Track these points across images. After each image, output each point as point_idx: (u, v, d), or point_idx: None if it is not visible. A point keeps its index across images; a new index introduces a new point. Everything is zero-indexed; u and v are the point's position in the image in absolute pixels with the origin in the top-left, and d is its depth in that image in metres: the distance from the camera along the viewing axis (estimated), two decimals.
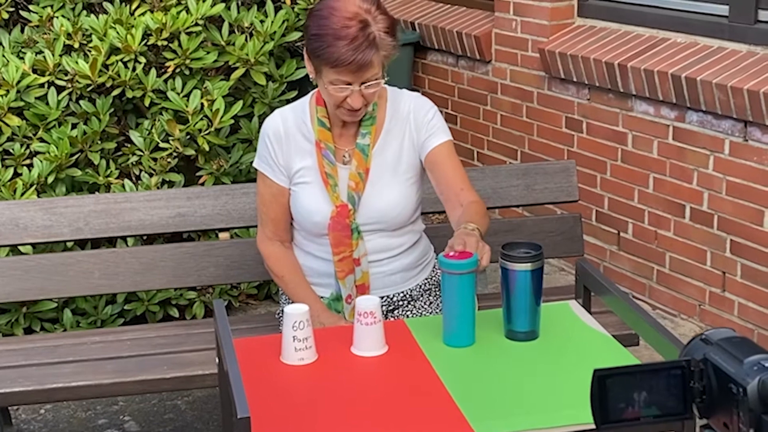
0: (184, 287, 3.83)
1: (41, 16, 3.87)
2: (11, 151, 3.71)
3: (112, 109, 3.81)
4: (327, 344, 2.25)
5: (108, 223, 3.08)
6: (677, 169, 3.94)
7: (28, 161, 3.71)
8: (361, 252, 2.62)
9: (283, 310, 2.67)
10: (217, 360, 2.21)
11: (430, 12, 5.45)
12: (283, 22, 3.98)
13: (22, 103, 3.71)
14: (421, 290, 2.75)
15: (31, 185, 3.62)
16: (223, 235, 3.21)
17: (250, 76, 3.95)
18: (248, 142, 4.05)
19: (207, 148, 3.82)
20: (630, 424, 1.14)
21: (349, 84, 2.48)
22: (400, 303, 2.72)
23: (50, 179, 3.66)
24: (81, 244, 3.67)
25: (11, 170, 3.66)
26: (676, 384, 1.15)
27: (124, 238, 3.69)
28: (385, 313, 2.68)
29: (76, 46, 3.79)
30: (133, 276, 3.08)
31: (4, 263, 3.08)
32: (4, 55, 3.78)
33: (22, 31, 3.97)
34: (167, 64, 3.81)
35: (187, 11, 3.79)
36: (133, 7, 3.89)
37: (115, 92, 3.77)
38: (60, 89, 3.76)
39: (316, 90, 2.65)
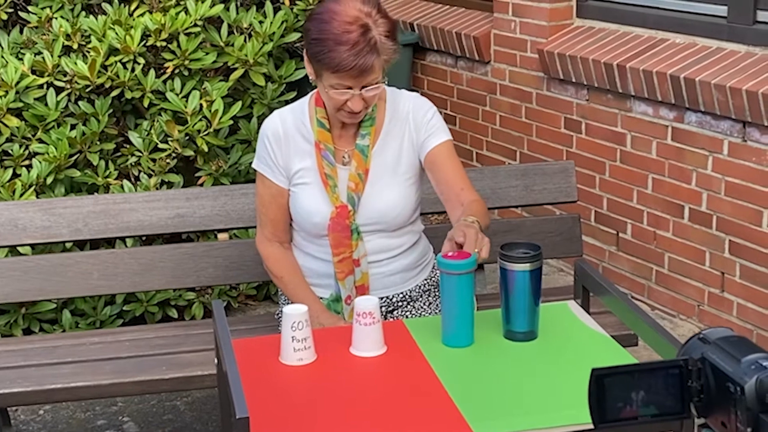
0: (183, 288, 3.83)
1: (40, 17, 3.87)
2: (10, 152, 3.71)
3: (110, 110, 3.82)
4: (326, 345, 2.25)
5: (107, 224, 3.08)
6: (676, 170, 3.94)
7: (27, 162, 3.71)
8: (361, 253, 2.62)
9: (282, 311, 2.67)
10: (215, 360, 2.21)
11: (429, 13, 5.45)
12: (282, 22, 3.98)
13: (21, 104, 3.71)
14: (420, 291, 2.75)
15: (30, 186, 3.62)
16: (222, 236, 3.21)
17: (249, 77, 3.95)
18: (247, 142, 4.05)
19: (206, 149, 3.82)
20: (628, 424, 1.14)
21: (350, 88, 2.48)
22: (400, 303, 2.72)
23: (49, 180, 3.66)
24: (80, 244, 3.67)
25: (10, 171, 3.67)
26: (673, 383, 1.15)
27: (123, 239, 3.69)
28: (384, 313, 2.68)
29: (75, 47, 3.79)
30: (132, 277, 3.09)
31: (3, 264, 3.08)
32: (3, 56, 3.78)
33: (21, 32, 3.98)
34: (166, 65, 3.81)
35: (186, 12, 3.79)
36: (132, 7, 3.90)
37: (114, 93, 3.77)
38: (59, 90, 3.76)
39: (315, 91, 2.65)
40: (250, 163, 3.76)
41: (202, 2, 3.81)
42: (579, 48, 4.31)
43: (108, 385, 2.83)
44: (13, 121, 3.69)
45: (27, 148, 3.73)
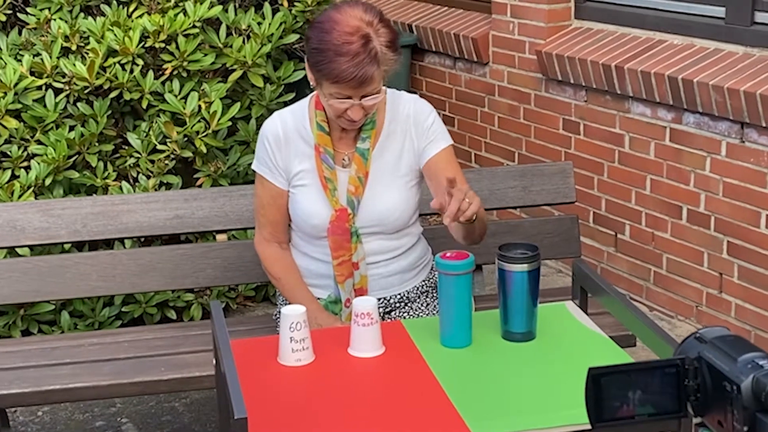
0: (181, 289, 3.83)
1: (39, 19, 3.87)
2: (9, 153, 3.71)
3: (109, 112, 3.82)
4: (324, 345, 2.25)
5: (105, 225, 3.08)
6: (674, 171, 3.94)
7: (25, 163, 3.71)
8: (360, 256, 2.62)
9: (280, 312, 2.67)
10: (214, 361, 2.21)
11: (427, 14, 5.45)
12: (281, 24, 3.98)
13: (19, 106, 3.71)
14: (418, 292, 2.75)
15: (29, 187, 3.62)
16: (220, 237, 3.22)
17: (247, 79, 3.95)
18: (246, 144, 4.05)
19: (204, 150, 3.82)
20: (625, 423, 1.15)
21: (349, 97, 2.47)
22: (397, 305, 2.72)
23: (48, 181, 3.66)
24: (78, 246, 3.67)
25: (9, 172, 3.67)
26: (670, 382, 1.15)
27: (121, 240, 3.69)
28: (382, 314, 2.68)
29: (74, 48, 3.79)
30: (130, 278, 3.09)
31: (2, 265, 3.08)
32: (1, 58, 3.79)
33: (20, 33, 3.98)
34: (165, 67, 3.81)
35: (185, 13, 3.80)
36: (131, 9, 3.90)
37: (113, 94, 3.77)
38: (57, 91, 3.76)
39: (315, 93, 2.65)
40: (249, 164, 3.77)
41: (201, 4, 3.81)
42: (577, 49, 4.31)
43: (107, 386, 2.83)
44: (12, 123, 3.69)
45: (26, 149, 3.73)
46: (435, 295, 2.75)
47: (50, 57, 3.74)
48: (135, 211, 3.09)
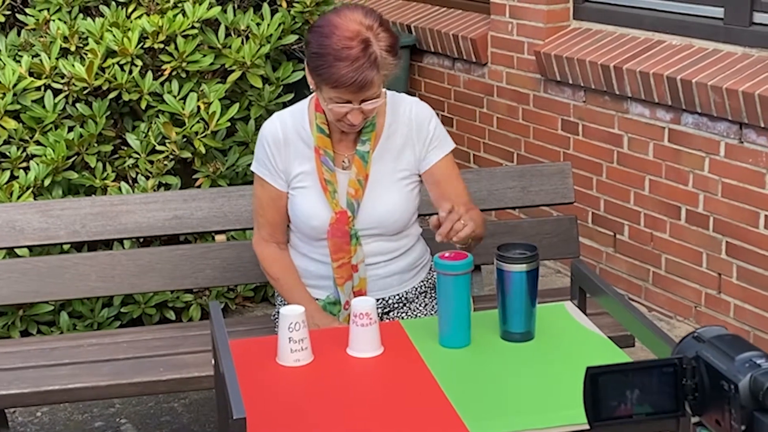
0: (180, 290, 3.83)
1: (38, 19, 3.87)
2: (8, 154, 3.71)
3: (108, 112, 3.82)
4: (323, 345, 2.25)
5: (104, 226, 3.08)
6: (673, 171, 3.94)
7: (24, 164, 3.71)
8: (359, 258, 2.62)
9: (278, 312, 2.67)
10: (213, 362, 2.22)
11: (426, 15, 5.46)
12: (280, 25, 3.98)
13: (18, 106, 3.71)
14: (416, 292, 2.75)
15: (28, 188, 3.62)
16: (219, 238, 3.22)
17: (246, 79, 3.96)
18: (245, 144, 4.06)
19: (203, 151, 3.82)
20: (622, 422, 1.15)
21: (349, 102, 2.47)
22: (396, 305, 2.72)
23: (47, 182, 3.66)
24: (77, 246, 3.67)
25: (8, 173, 3.67)
26: (668, 381, 1.15)
27: (120, 241, 3.69)
28: (380, 315, 2.68)
29: (73, 49, 3.79)
30: (129, 278, 3.09)
31: (1, 266, 3.08)
32: (0, 59, 3.79)
33: (19, 34, 3.98)
34: (164, 67, 3.81)
35: (184, 14, 3.80)
36: (130, 10, 3.90)
37: (112, 95, 3.77)
38: (56, 92, 3.76)
39: (314, 95, 2.64)
40: (248, 164, 3.77)
41: (200, 4, 3.81)
42: (576, 50, 4.31)
43: (106, 387, 2.83)
44: (11, 123, 3.69)
45: (24, 150, 3.73)
46: (434, 295, 2.75)
47: (49, 58, 3.74)
48: (134, 212, 3.09)
